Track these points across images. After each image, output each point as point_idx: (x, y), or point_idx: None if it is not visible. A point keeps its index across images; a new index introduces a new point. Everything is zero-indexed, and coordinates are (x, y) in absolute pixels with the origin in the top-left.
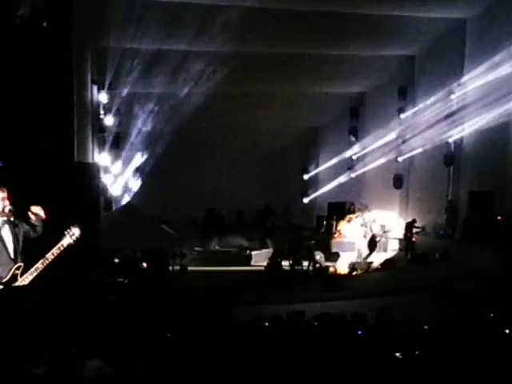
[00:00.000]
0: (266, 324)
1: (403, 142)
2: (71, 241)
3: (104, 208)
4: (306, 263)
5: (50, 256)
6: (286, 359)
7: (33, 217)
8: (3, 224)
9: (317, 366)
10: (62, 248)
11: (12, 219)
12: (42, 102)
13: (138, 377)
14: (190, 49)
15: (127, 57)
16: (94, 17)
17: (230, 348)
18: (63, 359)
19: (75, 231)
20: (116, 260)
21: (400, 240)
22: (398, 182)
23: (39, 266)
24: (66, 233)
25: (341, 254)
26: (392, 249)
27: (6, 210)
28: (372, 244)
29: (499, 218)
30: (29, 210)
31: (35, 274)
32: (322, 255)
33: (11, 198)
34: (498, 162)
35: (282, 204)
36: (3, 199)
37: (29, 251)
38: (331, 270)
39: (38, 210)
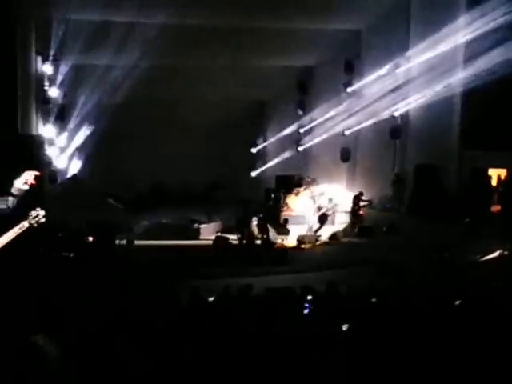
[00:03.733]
0: (211, 299)
1: (350, 115)
2: (34, 222)
3: (49, 181)
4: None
5: (9, 235)
6: (232, 334)
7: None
8: None
9: (264, 341)
10: (22, 229)
11: None
12: None
13: (80, 352)
14: (135, 20)
15: (72, 28)
16: None
17: (171, 323)
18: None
19: (40, 213)
20: (61, 234)
21: (347, 213)
22: (345, 155)
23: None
24: (29, 214)
25: (290, 227)
26: (340, 222)
27: None
28: (322, 218)
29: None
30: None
31: None
32: (273, 229)
33: None
34: (442, 135)
35: (230, 177)
36: None
37: None
38: (279, 243)
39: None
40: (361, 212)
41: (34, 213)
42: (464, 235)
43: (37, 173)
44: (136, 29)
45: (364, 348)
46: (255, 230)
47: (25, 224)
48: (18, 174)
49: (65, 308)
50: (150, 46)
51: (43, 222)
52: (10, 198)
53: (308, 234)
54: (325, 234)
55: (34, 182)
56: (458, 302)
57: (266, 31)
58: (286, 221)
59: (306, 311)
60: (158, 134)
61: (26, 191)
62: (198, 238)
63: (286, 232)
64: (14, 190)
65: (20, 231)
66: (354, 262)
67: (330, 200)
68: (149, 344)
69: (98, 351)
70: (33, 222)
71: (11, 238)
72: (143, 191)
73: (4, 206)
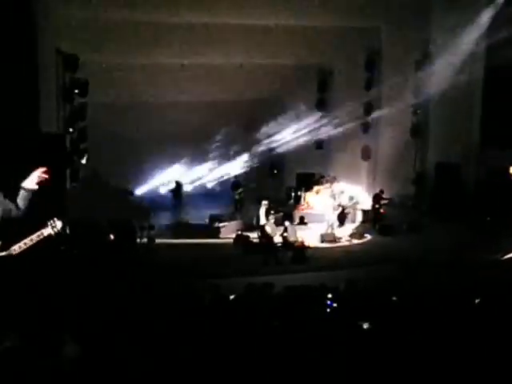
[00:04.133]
0: (232, 297)
1: (370, 113)
2: (52, 232)
3: (70, 179)
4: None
5: (28, 242)
6: (253, 332)
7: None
8: None
9: (285, 339)
10: (41, 237)
11: None
12: (4, 71)
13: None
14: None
15: (94, 26)
16: None
17: (194, 321)
18: (33, 333)
19: (58, 224)
20: (83, 232)
21: (367, 211)
22: (366, 153)
23: (16, 248)
24: (48, 223)
25: (309, 225)
26: (360, 220)
27: None
28: (342, 216)
29: None
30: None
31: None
32: (293, 227)
33: None
34: (463, 133)
35: (251, 175)
36: None
37: None
38: (300, 241)
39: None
40: (381, 210)
41: (52, 222)
42: (484, 234)
43: (44, 168)
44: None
45: (384, 346)
46: (272, 229)
47: (43, 232)
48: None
49: (85, 306)
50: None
51: (60, 231)
52: (22, 198)
53: (328, 232)
54: (345, 232)
55: (45, 179)
56: (477, 301)
57: (286, 28)
58: (302, 218)
59: (326, 309)
60: (178, 134)
61: (37, 191)
62: (218, 237)
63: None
64: (23, 191)
65: (38, 239)
66: (374, 261)
67: (351, 198)
68: (171, 342)
69: (119, 349)
70: (51, 231)
71: (29, 245)
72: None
73: (12, 207)
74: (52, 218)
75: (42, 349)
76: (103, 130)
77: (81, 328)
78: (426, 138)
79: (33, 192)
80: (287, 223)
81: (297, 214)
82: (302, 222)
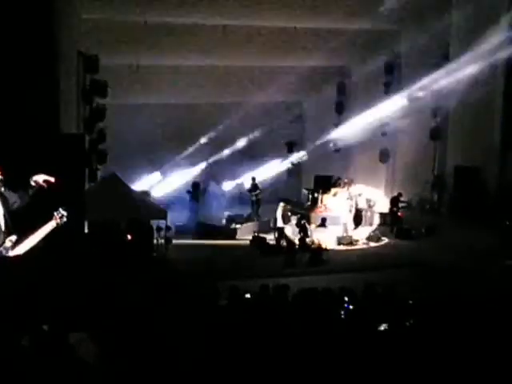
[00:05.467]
0: (249, 297)
1: (390, 116)
2: (60, 222)
3: (89, 179)
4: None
5: (41, 232)
6: (270, 334)
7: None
8: None
9: (301, 341)
10: (51, 227)
11: (2, 190)
12: (27, 72)
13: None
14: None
15: (116, 28)
16: None
17: (212, 322)
18: (48, 330)
19: (64, 213)
20: (100, 232)
21: (385, 214)
22: (384, 156)
23: (30, 240)
24: (55, 214)
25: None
26: (378, 223)
27: None
28: (358, 218)
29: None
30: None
31: (26, 247)
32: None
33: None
34: (483, 135)
35: (269, 177)
36: None
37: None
38: (317, 243)
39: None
40: (399, 213)
41: (59, 213)
42: (503, 238)
43: (46, 177)
44: (175, 29)
45: (401, 349)
46: (293, 231)
47: (52, 224)
48: (57, 174)
49: (101, 307)
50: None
51: (65, 222)
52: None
53: (344, 234)
54: (362, 234)
55: (42, 185)
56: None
57: (305, 30)
58: (323, 220)
59: (343, 312)
60: (198, 135)
61: (35, 191)
62: (235, 238)
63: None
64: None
65: (48, 230)
66: (391, 264)
67: (368, 200)
68: (188, 342)
69: (135, 349)
70: (59, 221)
71: (42, 236)
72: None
73: (16, 200)
74: (57, 209)
75: (57, 348)
76: (121, 131)
77: (97, 328)
78: (445, 140)
79: (36, 189)
80: (305, 225)
81: (314, 216)
82: (321, 224)
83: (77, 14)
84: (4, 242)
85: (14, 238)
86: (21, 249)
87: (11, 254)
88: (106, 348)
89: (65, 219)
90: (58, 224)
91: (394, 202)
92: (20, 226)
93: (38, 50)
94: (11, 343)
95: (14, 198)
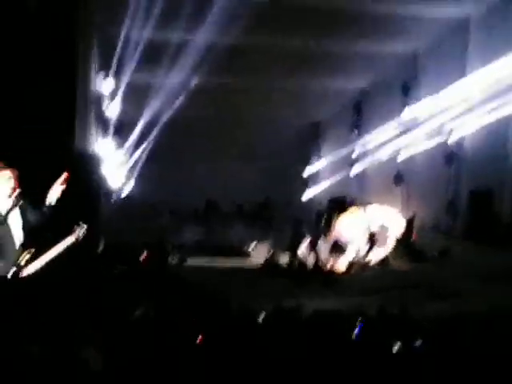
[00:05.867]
0: (261, 320)
1: (405, 139)
2: (79, 237)
3: (104, 200)
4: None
5: (59, 247)
6: (281, 357)
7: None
8: (11, 209)
9: (313, 364)
10: (69, 243)
11: (20, 204)
12: (44, 89)
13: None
14: (192, 38)
15: (133, 46)
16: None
17: (222, 342)
18: (60, 340)
19: (84, 226)
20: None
21: (399, 237)
22: (399, 178)
23: (47, 256)
24: (75, 229)
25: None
26: (391, 245)
27: (16, 193)
28: (371, 240)
29: None
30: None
31: (42, 263)
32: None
33: (19, 181)
34: (498, 159)
35: (282, 198)
36: (12, 180)
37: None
38: (330, 266)
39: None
40: (413, 236)
41: (79, 227)
42: None
43: (60, 184)
44: (193, 47)
45: (414, 370)
46: (304, 252)
47: (71, 239)
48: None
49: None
50: (208, 66)
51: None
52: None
53: (357, 257)
54: (376, 257)
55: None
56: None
57: (321, 53)
58: (336, 242)
59: (355, 334)
60: (211, 153)
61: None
62: (248, 258)
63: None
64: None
65: (67, 245)
66: (404, 286)
67: (382, 224)
68: (196, 361)
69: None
70: (79, 236)
71: (60, 250)
72: (197, 209)
73: (36, 215)
74: (77, 223)
75: (68, 359)
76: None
77: (107, 341)
78: (460, 164)
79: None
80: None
81: (327, 238)
82: (335, 246)
83: (96, 33)
84: (19, 259)
85: (28, 255)
86: (36, 265)
87: (26, 271)
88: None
89: (83, 234)
90: (77, 239)
91: (408, 224)
92: (37, 240)
93: (55, 68)
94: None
95: (33, 213)
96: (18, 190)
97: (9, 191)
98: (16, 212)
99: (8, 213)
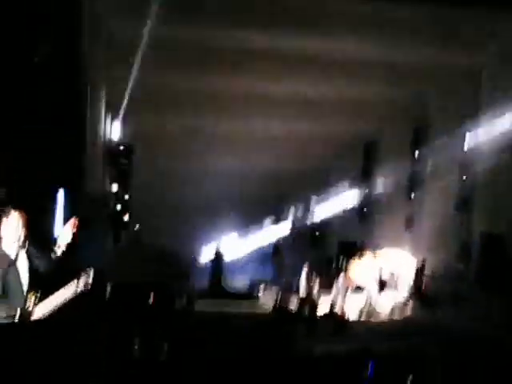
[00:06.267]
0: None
1: (414, 182)
2: (87, 282)
3: (114, 240)
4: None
5: (65, 292)
6: None
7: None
8: (19, 253)
9: None
10: (77, 288)
11: (27, 247)
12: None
13: None
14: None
15: (143, 88)
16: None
17: None
18: None
19: (91, 273)
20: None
21: (410, 283)
22: (410, 222)
23: (54, 300)
24: (82, 273)
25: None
26: (402, 291)
27: (23, 236)
28: (381, 286)
29: None
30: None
31: (49, 307)
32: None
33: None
34: (510, 203)
35: (292, 242)
36: (20, 224)
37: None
38: (340, 312)
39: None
40: (424, 282)
41: (85, 272)
42: None
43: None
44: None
45: None
46: (316, 297)
47: (78, 286)
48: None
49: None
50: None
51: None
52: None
53: (367, 305)
54: (386, 303)
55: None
56: None
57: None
58: (346, 289)
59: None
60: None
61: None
62: (257, 304)
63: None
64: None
65: (74, 293)
66: (417, 334)
67: (392, 267)
68: None
69: None
70: (85, 282)
71: (66, 298)
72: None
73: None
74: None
75: None
76: (148, 193)
77: None
78: (471, 209)
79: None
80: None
81: (338, 284)
82: (347, 291)
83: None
84: (26, 304)
85: (34, 298)
86: (44, 309)
87: (33, 314)
88: None
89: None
90: (85, 285)
91: (419, 269)
92: (43, 283)
93: (65, 107)
94: None
95: (40, 258)
96: (25, 234)
97: (17, 235)
98: (23, 256)
99: (16, 257)
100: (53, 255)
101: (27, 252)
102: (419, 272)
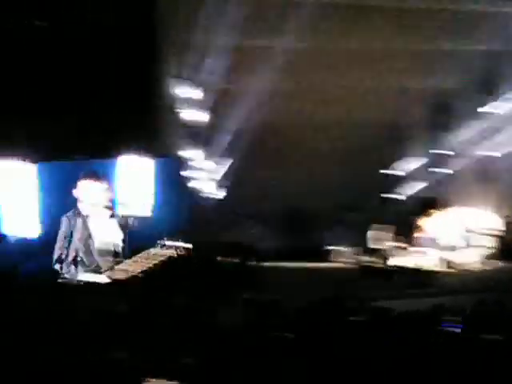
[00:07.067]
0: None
1: (495, 137)
2: (177, 253)
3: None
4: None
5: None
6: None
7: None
8: (109, 218)
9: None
10: (166, 257)
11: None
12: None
13: None
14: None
15: (214, 52)
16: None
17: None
18: None
19: (182, 244)
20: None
21: (496, 236)
22: (490, 177)
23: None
24: (177, 247)
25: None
26: (487, 246)
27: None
28: (465, 242)
29: None
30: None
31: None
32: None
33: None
34: None
35: (366, 201)
36: (108, 191)
37: None
38: (417, 265)
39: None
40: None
41: (178, 244)
42: None
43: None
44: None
45: None
46: (389, 251)
47: (172, 254)
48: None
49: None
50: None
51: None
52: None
53: (448, 256)
54: (470, 257)
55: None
56: None
57: (404, 52)
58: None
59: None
60: (294, 158)
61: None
62: (330, 260)
63: None
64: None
65: (165, 260)
66: (501, 288)
67: (473, 223)
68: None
69: None
70: (178, 252)
71: (158, 264)
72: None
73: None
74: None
75: None
76: None
77: None
78: None
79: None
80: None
81: (414, 239)
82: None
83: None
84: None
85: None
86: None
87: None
88: None
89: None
90: (177, 253)
91: (504, 223)
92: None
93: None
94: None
95: (129, 224)
96: (112, 201)
97: (105, 201)
98: (114, 221)
99: (103, 222)
100: (139, 222)
101: (117, 218)
102: (504, 225)
